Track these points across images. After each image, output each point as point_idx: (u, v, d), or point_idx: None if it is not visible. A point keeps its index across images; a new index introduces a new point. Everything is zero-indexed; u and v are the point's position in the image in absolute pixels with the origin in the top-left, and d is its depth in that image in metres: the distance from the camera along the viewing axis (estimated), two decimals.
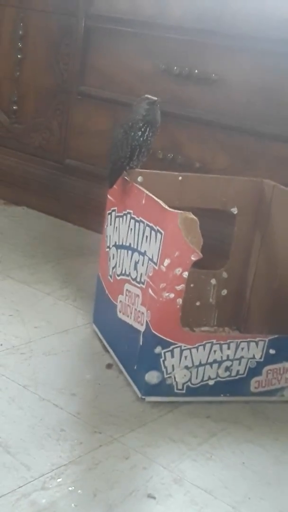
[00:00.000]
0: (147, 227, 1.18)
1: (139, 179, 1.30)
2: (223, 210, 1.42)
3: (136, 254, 1.22)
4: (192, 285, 1.41)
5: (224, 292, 1.47)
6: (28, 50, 2.08)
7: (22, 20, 2.06)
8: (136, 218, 1.22)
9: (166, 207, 1.12)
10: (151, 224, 1.16)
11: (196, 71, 1.71)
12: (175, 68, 1.74)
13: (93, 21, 1.91)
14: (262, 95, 1.62)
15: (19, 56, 2.09)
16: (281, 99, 1.59)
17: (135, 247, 1.22)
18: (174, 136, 1.77)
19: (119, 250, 1.29)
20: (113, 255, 1.32)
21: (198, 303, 1.45)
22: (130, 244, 1.25)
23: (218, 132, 1.70)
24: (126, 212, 1.26)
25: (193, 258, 1.12)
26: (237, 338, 1.20)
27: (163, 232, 1.12)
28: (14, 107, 2.14)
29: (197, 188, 1.38)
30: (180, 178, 1.37)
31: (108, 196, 1.34)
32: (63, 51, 1.99)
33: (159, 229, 1.13)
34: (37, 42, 2.05)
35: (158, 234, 1.14)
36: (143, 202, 1.20)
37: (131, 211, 1.24)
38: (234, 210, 1.41)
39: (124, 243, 1.27)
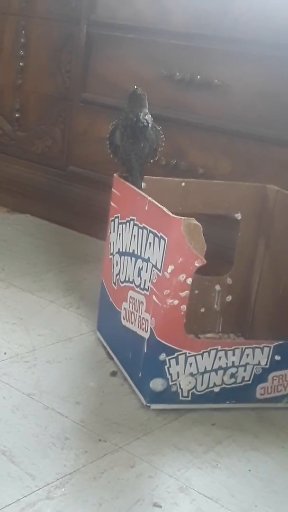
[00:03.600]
0: (150, 234, 1.17)
1: (142, 185, 1.30)
2: (227, 216, 1.42)
3: (139, 260, 1.22)
4: (196, 292, 1.40)
5: (229, 298, 1.46)
6: (30, 58, 2.08)
7: (23, 28, 2.07)
8: (139, 225, 1.22)
9: (170, 213, 1.11)
10: (154, 231, 1.16)
11: (198, 76, 1.71)
12: (177, 74, 1.74)
13: (95, 28, 1.91)
14: (264, 100, 1.62)
15: (21, 64, 2.10)
16: (284, 104, 1.59)
17: (139, 253, 1.22)
18: (176, 142, 1.77)
19: (122, 257, 1.29)
20: (117, 262, 1.31)
21: (202, 310, 1.44)
22: (133, 250, 1.24)
23: (221, 138, 1.70)
24: (129, 219, 1.26)
25: (197, 264, 1.12)
26: (242, 345, 1.20)
27: (166, 238, 1.12)
28: (16, 115, 2.14)
29: (200, 194, 1.38)
30: (183, 184, 1.37)
31: (111, 203, 1.34)
32: (65, 58, 1.99)
33: (163, 235, 1.13)
34: (39, 49, 2.05)
35: (162, 241, 1.13)
36: (146, 208, 1.19)
37: (134, 218, 1.24)
38: (238, 216, 1.41)
39: (127, 250, 1.27)
